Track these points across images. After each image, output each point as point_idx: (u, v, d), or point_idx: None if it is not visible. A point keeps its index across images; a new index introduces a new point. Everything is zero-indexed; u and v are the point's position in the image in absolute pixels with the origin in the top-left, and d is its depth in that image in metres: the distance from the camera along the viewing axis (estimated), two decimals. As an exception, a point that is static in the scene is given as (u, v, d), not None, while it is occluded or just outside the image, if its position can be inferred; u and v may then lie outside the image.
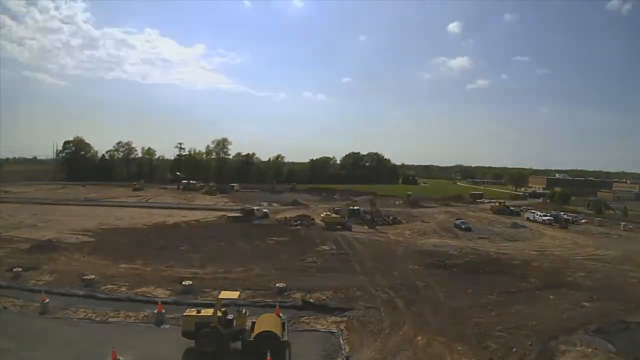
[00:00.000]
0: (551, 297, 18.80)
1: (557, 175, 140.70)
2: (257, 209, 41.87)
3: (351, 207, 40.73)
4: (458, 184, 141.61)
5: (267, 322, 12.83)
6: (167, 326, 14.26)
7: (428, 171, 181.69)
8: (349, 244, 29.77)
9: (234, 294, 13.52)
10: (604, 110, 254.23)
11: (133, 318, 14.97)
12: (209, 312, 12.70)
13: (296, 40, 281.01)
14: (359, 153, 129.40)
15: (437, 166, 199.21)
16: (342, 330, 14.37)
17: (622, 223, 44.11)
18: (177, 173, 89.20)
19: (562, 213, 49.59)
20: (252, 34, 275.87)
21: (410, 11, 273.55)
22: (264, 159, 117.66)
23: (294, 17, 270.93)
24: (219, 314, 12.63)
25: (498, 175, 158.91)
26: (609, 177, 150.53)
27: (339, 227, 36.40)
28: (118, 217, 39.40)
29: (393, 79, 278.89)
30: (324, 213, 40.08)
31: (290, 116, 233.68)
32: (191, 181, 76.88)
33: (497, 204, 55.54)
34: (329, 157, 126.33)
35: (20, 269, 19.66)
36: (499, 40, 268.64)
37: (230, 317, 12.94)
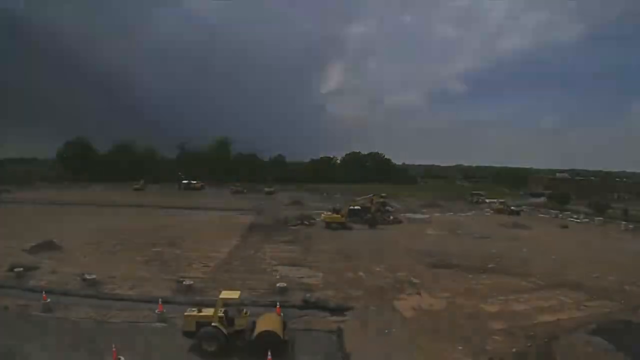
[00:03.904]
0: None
1: (557, 174, 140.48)
2: None
3: (351, 207, 40.72)
4: (458, 183, 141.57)
5: (267, 321, 12.86)
6: (168, 326, 14.29)
7: (428, 171, 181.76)
8: (349, 243, 29.83)
9: (235, 294, 13.54)
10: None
11: (134, 318, 15.01)
12: (210, 311, 12.74)
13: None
14: (359, 153, 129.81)
15: (437, 166, 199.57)
16: (342, 330, 14.39)
17: (623, 222, 44.04)
18: (179, 173, 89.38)
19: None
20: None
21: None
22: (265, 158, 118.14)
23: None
24: (220, 313, 12.66)
25: (498, 174, 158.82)
26: (610, 176, 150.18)
27: (339, 226, 36.49)
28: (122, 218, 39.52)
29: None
30: (325, 213, 40.13)
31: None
32: (192, 181, 76.92)
33: (499, 205, 55.56)
34: (329, 157, 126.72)
35: (22, 269, 19.71)
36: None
37: (231, 316, 12.98)
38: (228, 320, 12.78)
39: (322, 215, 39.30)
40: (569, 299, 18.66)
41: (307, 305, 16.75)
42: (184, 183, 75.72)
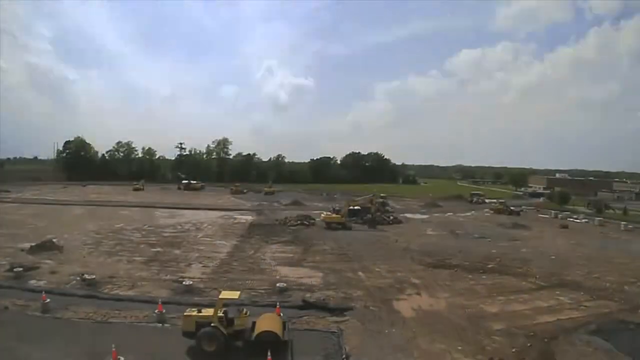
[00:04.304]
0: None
1: (557, 174, 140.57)
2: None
3: (351, 207, 40.71)
4: (458, 183, 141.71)
5: (267, 321, 12.84)
6: (168, 326, 14.27)
7: (428, 171, 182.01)
8: (349, 243, 29.83)
9: (235, 294, 13.52)
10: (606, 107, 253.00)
11: (133, 318, 14.97)
12: (209, 311, 12.70)
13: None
14: (359, 153, 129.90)
15: (437, 166, 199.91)
16: (342, 330, 14.38)
17: (623, 223, 44.04)
18: (178, 173, 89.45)
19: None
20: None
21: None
22: (264, 158, 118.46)
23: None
24: (220, 313, 12.63)
25: (498, 174, 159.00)
26: (609, 176, 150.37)
27: (339, 226, 36.48)
28: (122, 216, 39.53)
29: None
30: (324, 213, 40.14)
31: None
32: (191, 181, 76.99)
33: (498, 205, 55.69)
34: (329, 157, 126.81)
35: (21, 269, 19.68)
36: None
37: (231, 316, 12.95)
38: (228, 321, 12.74)
39: (322, 215, 39.29)
40: (568, 299, 18.66)
41: (306, 305, 16.73)
42: (184, 183, 75.75)
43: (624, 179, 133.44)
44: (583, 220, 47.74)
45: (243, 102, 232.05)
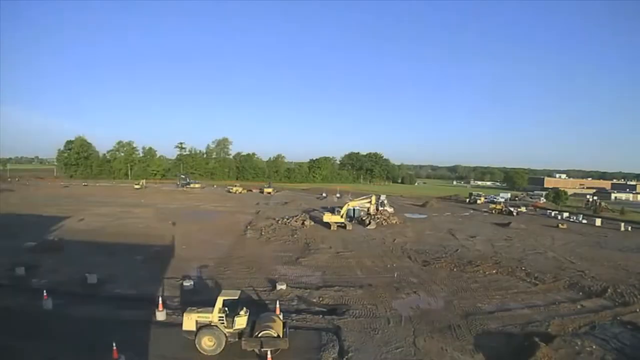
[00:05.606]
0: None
1: (556, 175, 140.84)
2: None
3: (349, 208, 40.87)
4: (456, 183, 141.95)
5: (267, 321, 12.96)
6: (168, 325, 14.37)
7: (427, 171, 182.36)
8: (347, 243, 29.97)
9: (235, 293, 13.62)
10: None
11: (134, 316, 15.09)
12: (209, 311, 12.82)
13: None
14: (358, 153, 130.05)
15: (436, 166, 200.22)
16: (340, 328, 14.50)
17: (622, 223, 44.21)
18: (177, 173, 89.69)
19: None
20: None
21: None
22: (264, 158, 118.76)
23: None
24: (220, 313, 12.74)
25: (497, 175, 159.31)
26: (606, 177, 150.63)
27: (341, 226, 36.65)
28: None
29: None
30: (324, 213, 40.29)
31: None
32: (191, 181, 77.30)
33: (497, 205, 55.95)
34: (329, 157, 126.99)
35: (23, 268, 19.78)
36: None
37: (231, 316, 13.06)
38: (228, 320, 12.86)
39: (322, 215, 39.40)
40: (565, 298, 18.83)
41: (306, 304, 16.85)
42: (184, 183, 76.06)
43: (623, 180, 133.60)
44: (582, 221, 47.90)
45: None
